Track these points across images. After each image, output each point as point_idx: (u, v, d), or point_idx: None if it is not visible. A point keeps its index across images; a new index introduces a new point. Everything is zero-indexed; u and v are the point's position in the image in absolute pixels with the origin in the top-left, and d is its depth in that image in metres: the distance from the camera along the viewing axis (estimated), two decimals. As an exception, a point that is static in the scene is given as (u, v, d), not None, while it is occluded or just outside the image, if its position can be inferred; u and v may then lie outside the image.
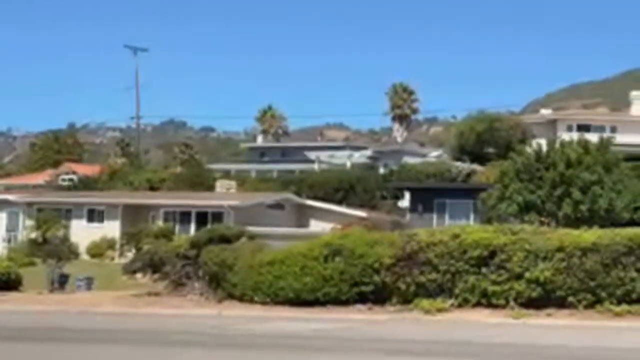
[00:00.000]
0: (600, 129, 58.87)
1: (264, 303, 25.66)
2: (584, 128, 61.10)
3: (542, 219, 32.03)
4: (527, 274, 23.52)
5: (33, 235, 47.06)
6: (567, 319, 22.52)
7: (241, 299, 26.23)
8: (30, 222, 48.59)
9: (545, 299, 23.51)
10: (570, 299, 23.37)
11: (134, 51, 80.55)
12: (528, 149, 36.47)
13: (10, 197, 53.10)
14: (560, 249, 23.60)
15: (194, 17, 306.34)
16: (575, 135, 40.90)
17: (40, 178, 73.28)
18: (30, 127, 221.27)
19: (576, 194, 31.83)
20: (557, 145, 34.25)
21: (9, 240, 49.87)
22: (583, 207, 31.65)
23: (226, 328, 20.48)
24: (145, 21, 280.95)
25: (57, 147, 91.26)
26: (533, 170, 33.06)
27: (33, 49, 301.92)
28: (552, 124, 65.56)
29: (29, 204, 50.78)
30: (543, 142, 36.00)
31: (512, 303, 23.55)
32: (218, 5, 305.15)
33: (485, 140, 60.67)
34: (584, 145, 33.78)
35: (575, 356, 15.27)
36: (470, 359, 14.49)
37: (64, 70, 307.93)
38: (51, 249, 34.83)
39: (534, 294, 23.49)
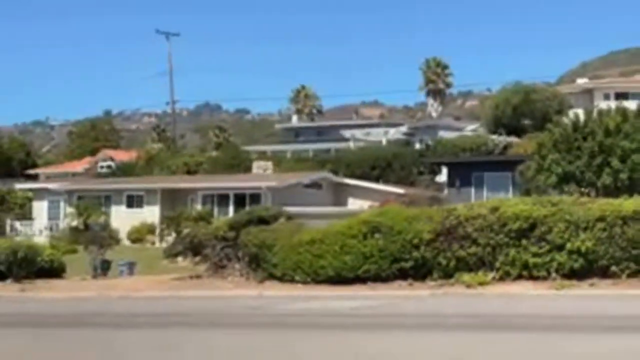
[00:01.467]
0: (639, 96, 58.12)
1: (304, 282, 25.75)
2: (621, 96, 60.37)
3: (582, 189, 31.73)
4: (568, 245, 23.34)
5: (74, 222, 47.65)
6: (610, 289, 22.30)
7: (282, 279, 26.33)
8: (71, 210, 49.19)
9: (587, 270, 23.33)
10: (613, 268, 23.17)
11: (166, 36, 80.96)
12: (565, 120, 36.10)
13: (51, 186, 53.78)
14: (601, 219, 23.37)
15: (226, 4, 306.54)
16: (613, 104, 40.43)
17: (79, 166, 74.08)
18: (68, 115, 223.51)
19: (615, 162, 31.46)
20: (595, 114, 33.85)
21: (51, 229, 50.53)
22: (623, 176, 31.29)
23: (267, 308, 20.58)
24: (179, 7, 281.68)
25: (94, 135, 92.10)
26: (571, 141, 32.72)
27: (67, 38, 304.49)
28: (589, 93, 64.88)
29: (69, 192, 51.37)
30: (580, 112, 35.58)
31: (554, 274, 23.40)
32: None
33: (521, 112, 60.18)
34: (622, 113, 33.33)
35: (620, 325, 15.13)
36: (515, 331, 14.42)
37: (99, 58, 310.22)
38: (92, 235, 35.25)
39: (576, 265, 23.31)
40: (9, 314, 20.95)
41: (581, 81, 76.42)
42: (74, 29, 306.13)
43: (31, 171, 76.60)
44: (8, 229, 51.02)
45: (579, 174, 32.14)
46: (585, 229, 23.40)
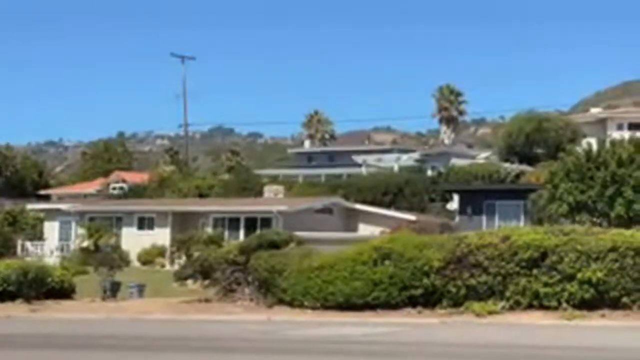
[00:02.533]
0: (652, 127, 57.97)
1: (314, 308, 25.66)
2: (635, 126, 60.21)
3: (594, 219, 31.64)
4: (579, 275, 23.21)
5: (85, 243, 47.72)
6: (621, 320, 22.16)
7: (291, 304, 26.26)
8: (82, 231, 49.28)
9: (598, 300, 23.18)
10: (624, 299, 23.02)
11: (181, 60, 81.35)
12: (578, 149, 36.09)
13: (63, 206, 53.92)
14: (612, 249, 23.26)
15: (240, 24, 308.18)
16: (626, 134, 40.38)
17: (91, 187, 74.30)
18: (81, 136, 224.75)
19: (628, 193, 31.39)
20: (608, 144, 33.80)
21: (61, 249, 50.60)
22: (636, 207, 31.23)
23: (275, 333, 20.52)
24: (193, 29, 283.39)
25: (107, 156, 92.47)
26: (584, 170, 32.67)
27: (82, 59, 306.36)
28: (603, 122, 64.76)
29: (81, 213, 51.51)
30: (593, 142, 35.58)
31: (564, 305, 23.26)
32: (264, 13, 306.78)
33: (534, 141, 60.17)
34: (636, 143, 33.28)
35: (632, 358, 15.01)
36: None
37: (113, 79, 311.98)
38: (103, 257, 35.27)
39: (587, 295, 23.17)
40: (18, 335, 20.95)
41: (595, 110, 76.32)
42: (89, 50, 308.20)
43: (43, 192, 76.88)
44: (19, 249, 51.12)
45: (591, 204, 32.07)
46: (596, 259, 23.28)
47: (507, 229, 27.33)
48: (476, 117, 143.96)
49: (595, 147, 33.86)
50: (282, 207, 45.80)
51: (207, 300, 28.29)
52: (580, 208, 32.12)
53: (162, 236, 47.69)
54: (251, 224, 45.57)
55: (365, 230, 46.87)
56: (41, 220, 54.91)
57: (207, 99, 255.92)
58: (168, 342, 18.75)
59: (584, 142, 40.53)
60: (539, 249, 23.71)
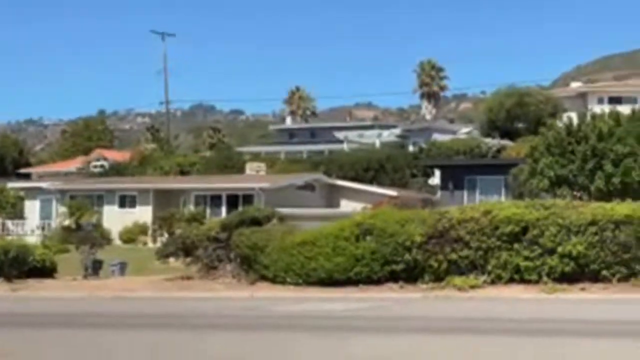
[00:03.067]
0: (632, 100, 58.37)
1: (296, 284, 25.71)
2: (615, 100, 60.59)
3: (575, 193, 31.80)
4: (559, 249, 23.35)
5: (66, 222, 47.57)
6: (601, 293, 22.34)
7: (273, 280, 26.29)
8: (63, 209, 49.11)
9: (578, 274, 23.34)
10: (604, 272, 23.18)
11: (161, 37, 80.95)
12: (559, 123, 36.21)
13: (43, 184, 53.70)
14: (593, 223, 23.39)
15: (222, 3, 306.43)
16: (606, 108, 40.53)
17: (72, 165, 73.99)
18: (61, 114, 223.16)
19: (608, 167, 31.54)
20: (588, 118, 33.93)
21: (43, 228, 50.42)
22: (615, 180, 31.37)
23: (258, 309, 20.55)
24: (174, 7, 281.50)
25: (87, 134, 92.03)
26: (564, 144, 32.79)
27: (61, 38, 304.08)
28: (583, 97, 65.08)
29: (62, 192, 51.31)
30: (574, 116, 35.72)
31: (545, 278, 23.41)
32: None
33: (515, 116, 60.37)
34: (616, 117, 33.43)
35: (610, 330, 15.14)
36: (503, 335, 14.42)
37: (93, 57, 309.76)
38: (84, 235, 35.15)
39: (567, 269, 23.32)
40: (1, 314, 20.87)
41: (575, 85, 76.63)
42: (68, 29, 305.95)
43: (24, 170, 76.47)
44: (0, 228, 50.89)
45: (571, 178, 32.22)
46: (577, 232, 23.41)
47: (488, 203, 27.42)
48: (457, 92, 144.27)
49: (575, 121, 33.98)
50: (264, 184, 45.79)
51: (189, 278, 28.27)
52: (561, 182, 32.27)
53: (144, 214, 47.60)
54: (233, 201, 45.55)
55: (347, 206, 46.96)
56: (22, 199, 54.68)
57: (187, 76, 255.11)
58: (150, 320, 18.74)
59: (565, 116, 40.66)
60: (520, 223, 23.81)
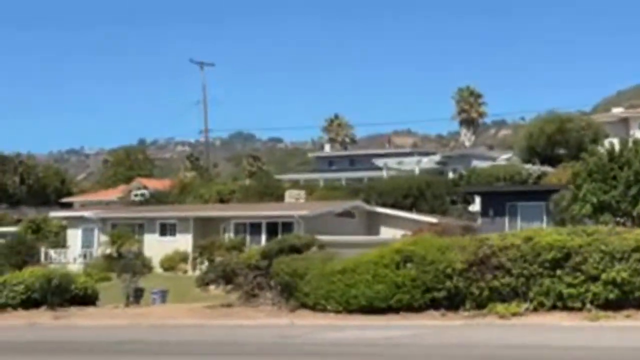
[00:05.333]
0: (674, 125, 57.57)
1: (336, 312, 25.61)
2: (657, 125, 59.79)
3: (617, 219, 31.40)
4: (603, 276, 23.03)
5: (108, 250, 47.88)
6: (646, 321, 21.97)
7: (314, 308, 26.22)
8: (104, 238, 49.45)
9: (623, 301, 22.98)
10: (649, 299, 22.81)
11: (200, 66, 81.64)
12: (600, 149, 35.82)
13: (85, 213, 54.16)
14: (637, 249, 23.05)
15: (258, 29, 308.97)
16: (648, 133, 40.04)
17: (113, 194, 74.62)
18: (103, 144, 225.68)
19: (651, 192, 31.12)
20: (630, 143, 33.55)
21: (85, 256, 50.83)
22: (659, 206, 30.92)
23: (299, 337, 20.49)
24: (212, 35, 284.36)
25: (128, 163, 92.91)
26: (606, 170, 32.44)
27: (102, 69, 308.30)
28: (625, 122, 64.34)
29: (103, 220, 51.71)
30: (616, 141, 35.31)
31: (588, 305, 23.09)
32: (282, 20, 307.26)
33: (555, 141, 59.79)
34: (658, 142, 33.00)
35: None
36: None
37: (133, 87, 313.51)
38: (126, 263, 35.37)
39: (611, 296, 22.99)
40: (43, 342, 21.06)
41: (617, 110, 75.84)
42: (109, 60, 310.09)
43: (66, 199, 77.32)
44: (43, 257, 51.38)
45: (614, 204, 31.83)
46: (620, 259, 23.09)
47: (529, 230, 27.17)
48: (496, 118, 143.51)
49: (617, 146, 33.61)
50: (304, 212, 45.78)
51: (229, 305, 28.31)
52: (604, 208, 31.89)
53: (184, 242, 47.78)
54: (273, 229, 45.58)
55: (386, 233, 46.77)
56: (64, 228, 55.20)
57: (226, 105, 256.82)
58: (190, 347, 18.78)
59: (606, 141, 40.25)
60: (562, 249, 23.56)
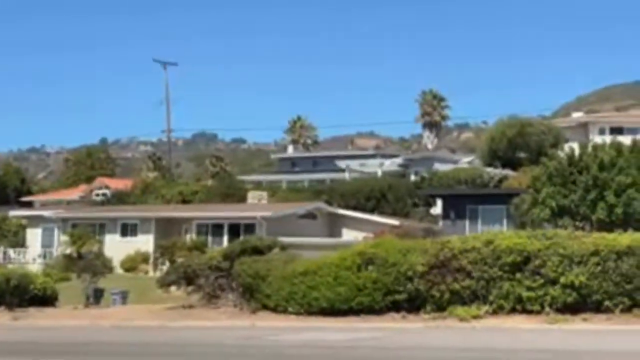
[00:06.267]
0: (634, 131, 58.41)
1: (298, 313, 25.65)
2: (616, 131, 60.67)
3: (576, 223, 31.77)
4: (562, 279, 23.33)
5: (68, 250, 47.46)
6: (603, 324, 22.28)
7: (275, 309, 26.24)
8: (65, 238, 49.01)
9: (581, 304, 23.30)
10: (607, 303, 23.14)
11: (163, 65, 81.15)
12: (560, 153, 36.22)
13: (45, 213, 53.64)
14: (595, 253, 23.38)
15: (222, 30, 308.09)
16: (608, 138, 40.58)
17: (74, 194, 73.98)
18: (64, 143, 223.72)
19: (610, 197, 31.53)
20: (590, 148, 33.96)
21: (44, 256, 50.34)
22: (618, 211, 31.34)
23: (260, 339, 20.50)
24: (175, 35, 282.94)
25: (89, 163, 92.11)
26: (566, 175, 32.81)
27: (64, 67, 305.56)
28: (584, 127, 65.16)
29: (64, 220, 51.26)
30: (575, 146, 35.72)
31: (547, 309, 23.36)
32: (246, 19, 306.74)
33: (516, 145, 60.37)
34: (617, 147, 33.45)
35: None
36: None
37: (95, 86, 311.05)
38: (86, 263, 35.10)
39: (570, 299, 23.28)
40: (1, 342, 20.83)
41: (577, 115, 76.82)
42: (70, 58, 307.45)
43: (26, 198, 76.46)
44: (1, 256, 50.85)
45: (573, 208, 32.20)
46: (579, 263, 23.40)
47: (490, 233, 27.41)
48: (459, 122, 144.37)
49: (577, 151, 34.01)
50: (266, 213, 45.75)
51: (190, 307, 28.23)
52: (563, 212, 32.26)
53: (145, 243, 47.52)
54: (235, 230, 45.50)
55: (348, 235, 46.90)
56: (24, 227, 54.63)
57: (190, 105, 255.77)
58: (150, 349, 18.70)
59: (566, 146, 40.67)
60: (522, 253, 23.81)
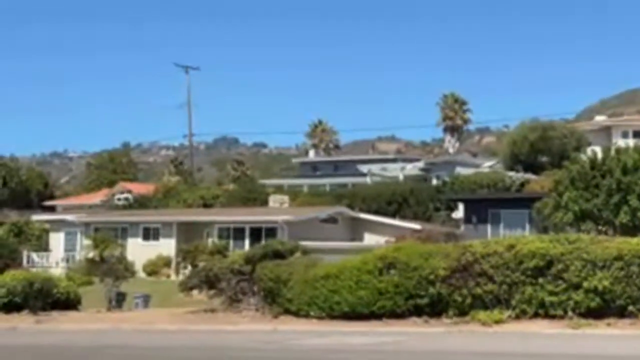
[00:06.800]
0: (657, 134, 57.96)
1: (319, 318, 25.64)
2: (639, 134, 60.18)
3: (599, 227, 31.57)
4: (585, 284, 23.18)
5: (90, 254, 47.63)
6: (627, 329, 22.11)
7: (297, 314, 26.25)
8: (87, 242, 49.20)
9: (604, 309, 23.13)
10: (630, 308, 22.97)
11: (185, 69, 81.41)
12: (583, 157, 36.02)
13: (68, 217, 53.93)
14: (618, 258, 23.22)
15: (245, 35, 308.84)
16: (631, 142, 40.33)
17: (96, 198, 74.33)
18: (86, 147, 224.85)
19: (634, 201, 31.33)
20: (613, 152, 33.76)
21: (67, 260, 50.60)
22: (641, 214, 31.10)
23: (281, 343, 20.50)
24: (198, 39, 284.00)
25: (112, 167, 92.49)
26: (588, 178, 32.62)
27: (87, 71, 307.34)
28: (607, 130, 64.69)
29: (86, 224, 51.52)
30: (598, 150, 35.52)
31: (570, 313, 23.22)
32: (268, 24, 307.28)
33: (539, 149, 60.05)
34: (640, 151, 33.21)
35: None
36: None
37: (118, 90, 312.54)
38: (108, 268, 35.27)
39: (593, 304, 23.13)
40: (24, 346, 20.97)
41: (599, 118, 76.29)
42: (93, 61, 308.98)
43: (49, 203, 76.91)
44: (25, 260, 51.14)
45: (596, 212, 32.00)
46: (602, 267, 23.24)
47: (512, 237, 27.31)
48: (480, 125, 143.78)
49: (600, 155, 33.82)
50: (287, 217, 45.77)
51: (212, 311, 28.29)
52: (586, 216, 32.06)
53: (167, 247, 47.68)
54: (256, 234, 45.55)
55: (370, 239, 46.82)
56: (47, 232, 54.96)
57: (211, 109, 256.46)
58: (173, 353, 18.74)
59: (589, 150, 40.50)
60: (544, 257, 23.68)
